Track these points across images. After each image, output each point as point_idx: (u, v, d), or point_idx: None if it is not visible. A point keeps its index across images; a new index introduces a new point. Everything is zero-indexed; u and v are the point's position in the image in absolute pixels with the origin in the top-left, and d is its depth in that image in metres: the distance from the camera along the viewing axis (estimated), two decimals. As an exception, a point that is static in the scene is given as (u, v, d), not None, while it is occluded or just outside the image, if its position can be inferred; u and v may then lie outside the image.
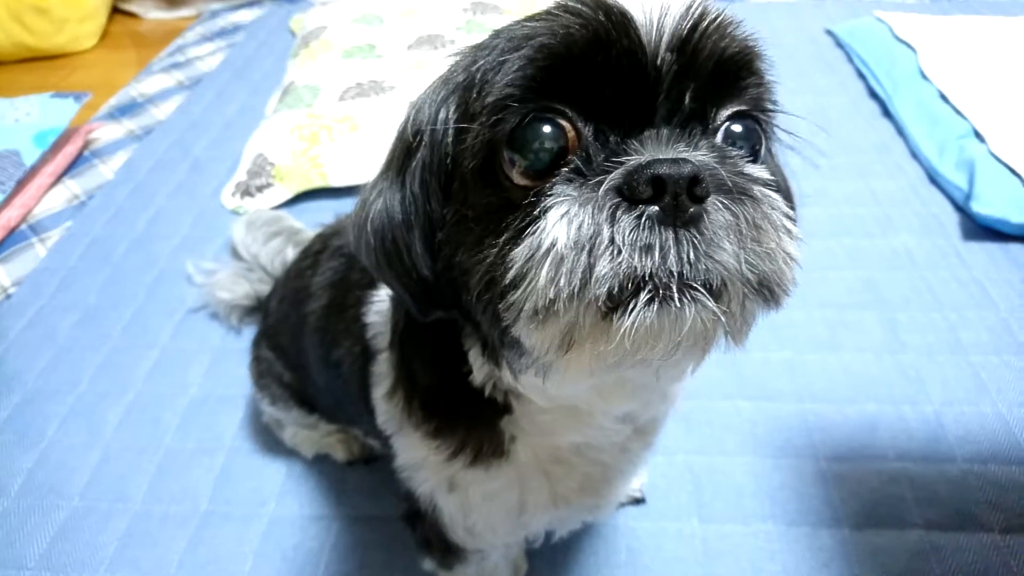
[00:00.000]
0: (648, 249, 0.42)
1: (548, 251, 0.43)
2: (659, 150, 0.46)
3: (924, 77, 1.95)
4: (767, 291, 0.46)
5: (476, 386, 0.64)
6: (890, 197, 1.67)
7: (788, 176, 0.64)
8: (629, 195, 0.43)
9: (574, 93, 0.48)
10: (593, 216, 0.43)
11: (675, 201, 0.42)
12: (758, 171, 0.48)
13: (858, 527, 1.03)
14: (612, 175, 0.44)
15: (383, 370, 0.75)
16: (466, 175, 0.51)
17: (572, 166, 0.47)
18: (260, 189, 1.75)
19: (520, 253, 0.45)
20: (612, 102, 0.48)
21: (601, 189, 0.44)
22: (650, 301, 0.42)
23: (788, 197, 0.62)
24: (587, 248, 0.43)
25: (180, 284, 1.52)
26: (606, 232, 0.43)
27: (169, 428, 1.25)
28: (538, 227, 0.45)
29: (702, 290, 0.43)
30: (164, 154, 1.98)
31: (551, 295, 0.43)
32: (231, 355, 1.36)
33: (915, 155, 1.79)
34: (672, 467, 1.12)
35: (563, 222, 0.44)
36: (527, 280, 0.45)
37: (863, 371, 1.26)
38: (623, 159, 0.45)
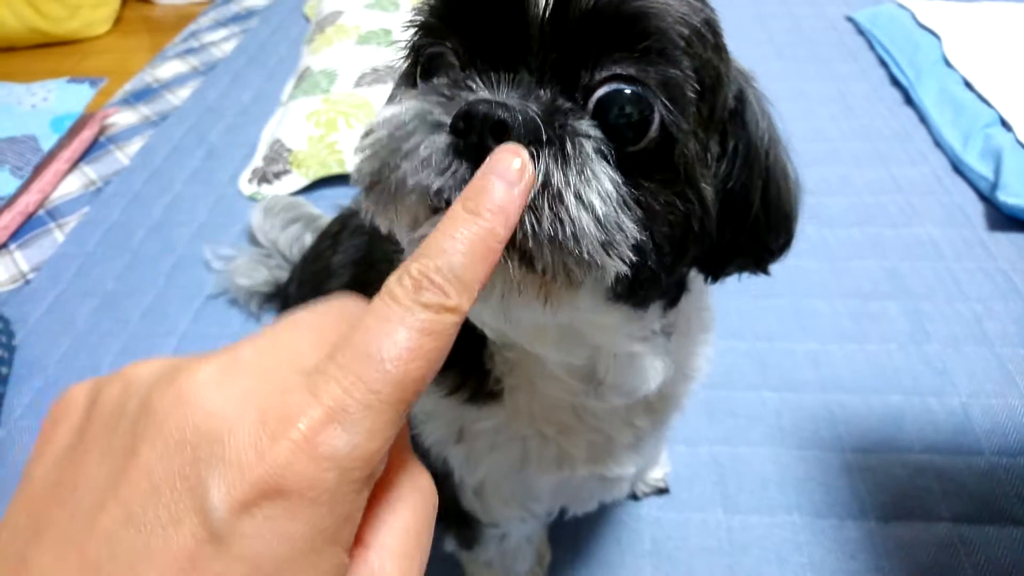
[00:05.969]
0: (433, 169, 0.43)
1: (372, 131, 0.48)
2: (496, 93, 0.46)
3: (948, 64, 1.92)
4: (553, 244, 0.42)
5: None
6: (913, 186, 1.64)
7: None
8: (451, 127, 0.44)
9: (463, 33, 0.50)
10: (409, 126, 0.45)
11: (477, 139, 0.42)
12: (588, 128, 0.46)
13: (885, 519, 1.02)
14: (444, 102, 0.46)
15: None
16: None
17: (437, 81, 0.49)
18: (277, 175, 1.74)
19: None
20: (490, 45, 0.48)
21: (436, 110, 0.45)
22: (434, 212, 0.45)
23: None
24: (396, 145, 0.46)
25: (199, 270, 1.52)
26: (410, 141, 0.45)
27: (190, 414, 1.24)
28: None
29: None
30: (180, 140, 1.97)
31: (366, 170, 0.48)
32: (251, 342, 1.36)
33: (938, 143, 1.76)
34: (696, 457, 1.12)
35: (391, 112, 0.47)
36: (363, 151, 0.49)
37: (888, 362, 1.25)
38: (465, 94, 0.46)
